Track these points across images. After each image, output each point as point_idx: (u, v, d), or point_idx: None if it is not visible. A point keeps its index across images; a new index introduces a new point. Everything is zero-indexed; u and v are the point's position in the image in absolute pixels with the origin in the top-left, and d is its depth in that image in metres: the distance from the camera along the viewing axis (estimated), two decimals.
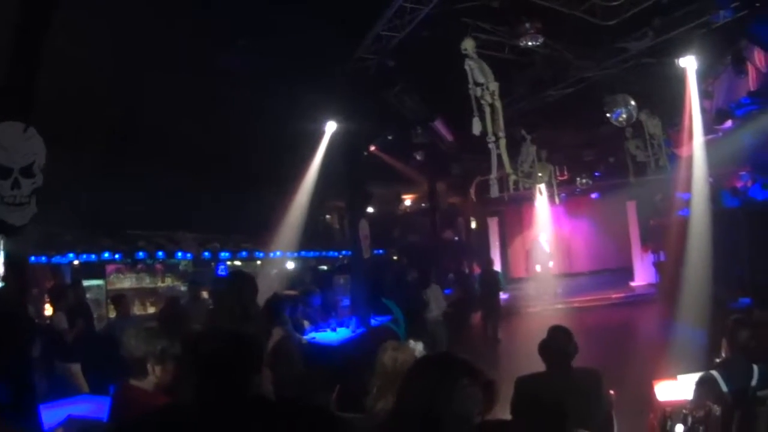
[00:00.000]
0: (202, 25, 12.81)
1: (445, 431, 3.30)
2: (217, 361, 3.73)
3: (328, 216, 30.84)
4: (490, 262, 23.51)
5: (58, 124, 10.11)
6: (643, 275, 30.34)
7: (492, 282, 21.78)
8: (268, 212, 19.44)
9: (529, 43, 14.69)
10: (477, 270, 25.99)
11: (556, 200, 28.12)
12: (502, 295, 22.95)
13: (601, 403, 6.71)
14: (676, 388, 7.99)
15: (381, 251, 26.93)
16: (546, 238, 30.19)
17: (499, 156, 13.92)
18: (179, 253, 19.50)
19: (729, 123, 19.58)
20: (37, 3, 7.55)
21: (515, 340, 19.54)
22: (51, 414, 7.69)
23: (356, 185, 18.79)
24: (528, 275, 33.40)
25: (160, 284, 19.51)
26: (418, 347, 6.78)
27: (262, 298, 9.76)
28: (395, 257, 29.56)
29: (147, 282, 19.16)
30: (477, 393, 3.41)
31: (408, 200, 36.85)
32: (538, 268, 30.06)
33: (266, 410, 3.76)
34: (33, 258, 15.31)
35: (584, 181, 28.97)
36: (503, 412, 6.28)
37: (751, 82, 17.90)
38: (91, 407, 8.20)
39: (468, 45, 13.74)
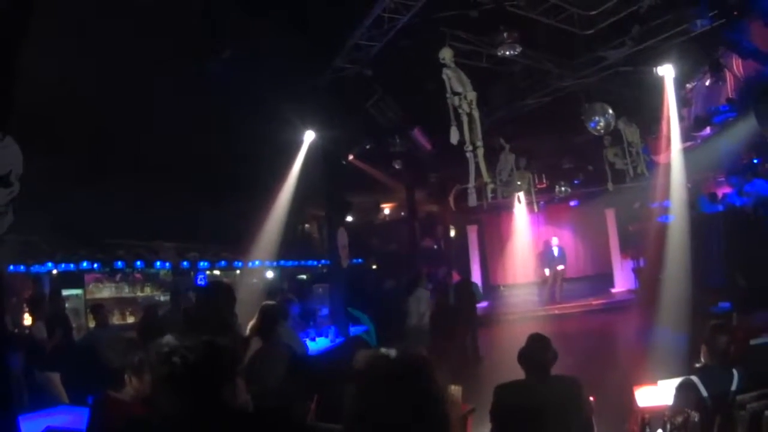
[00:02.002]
0: (181, 35, 12.78)
1: None
2: (188, 372, 3.70)
3: (307, 225, 30.82)
4: (466, 272, 22.94)
5: (36, 133, 10.05)
6: (622, 281, 30.32)
7: (467, 293, 20.88)
8: (247, 221, 19.39)
9: (507, 53, 14.70)
10: (456, 278, 25.82)
11: (535, 208, 28.22)
12: (481, 304, 22.55)
13: (580, 410, 6.71)
14: (656, 394, 7.99)
15: (359, 260, 26.91)
16: (557, 242, 29.96)
17: (477, 165, 13.95)
18: (158, 263, 19.42)
19: (707, 130, 19.69)
20: (11, 12, 7.48)
21: (495, 348, 19.46)
22: (30, 425, 7.63)
23: (335, 194, 18.81)
24: (509, 282, 33.53)
25: (139, 294, 19.43)
26: (391, 355, 6.75)
27: (241, 308, 9.72)
28: (374, 266, 29.52)
29: (126, 291, 19.08)
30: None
31: (387, 209, 36.87)
32: (547, 271, 29.61)
33: (238, 421, 3.74)
34: (11, 267, 15.26)
35: (563, 188, 28.96)
36: (483, 421, 6.29)
37: (729, 89, 18.03)
38: (70, 418, 8.14)
39: (446, 54, 13.79)
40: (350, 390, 3.33)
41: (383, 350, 5.21)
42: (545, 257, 30.17)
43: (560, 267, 29.20)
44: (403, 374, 3.21)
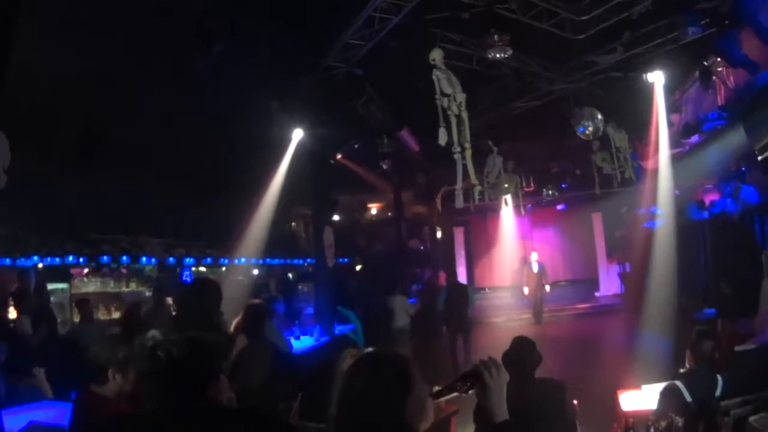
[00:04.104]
0: (171, 31, 12.73)
1: None
2: (173, 368, 3.67)
3: (293, 223, 30.74)
4: (455, 274, 22.16)
5: (25, 127, 10.03)
6: (608, 286, 30.48)
7: (461, 297, 19.81)
8: (233, 219, 19.30)
9: (498, 55, 14.70)
10: (443, 280, 25.66)
11: (522, 211, 28.20)
12: None
13: (564, 413, 6.71)
14: (641, 398, 8.03)
15: (345, 260, 26.88)
16: (536, 257, 28.30)
17: (465, 167, 13.96)
18: (144, 258, 19.34)
19: (696, 137, 19.73)
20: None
21: (480, 350, 19.37)
22: (13, 419, 7.62)
23: (322, 193, 18.78)
24: (495, 285, 33.45)
25: (124, 289, 19.32)
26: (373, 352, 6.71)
27: (226, 305, 9.69)
28: (359, 266, 29.51)
29: (111, 286, 18.96)
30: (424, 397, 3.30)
31: (374, 209, 36.84)
32: (525, 290, 27.95)
33: (222, 418, 3.72)
34: None
35: (550, 192, 29.09)
36: (467, 422, 6.28)
37: (719, 97, 18.06)
38: (54, 413, 8.11)
39: (436, 55, 13.79)
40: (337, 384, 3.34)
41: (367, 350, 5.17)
42: (523, 275, 28.80)
43: (543, 286, 27.54)
44: (383, 368, 3.22)
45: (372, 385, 3.17)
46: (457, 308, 19.44)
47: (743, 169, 17.52)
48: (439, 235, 33.94)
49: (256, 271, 23.68)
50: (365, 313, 17.44)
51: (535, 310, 27.16)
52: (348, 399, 3.21)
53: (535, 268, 27.86)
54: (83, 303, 14.69)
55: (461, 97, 13.90)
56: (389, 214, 33.71)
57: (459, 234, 34.12)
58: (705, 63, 16.96)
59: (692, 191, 20.25)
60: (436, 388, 3.55)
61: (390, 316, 17.82)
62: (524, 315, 26.79)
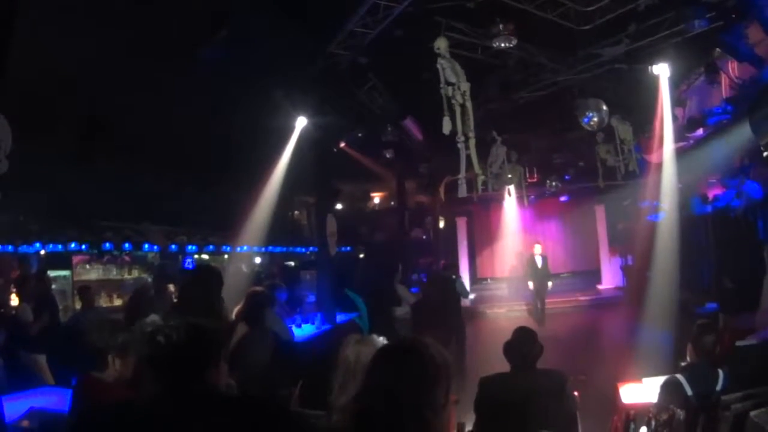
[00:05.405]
0: (175, 18, 12.69)
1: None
2: (173, 353, 3.65)
3: (296, 212, 30.76)
4: (452, 266, 20.12)
5: (28, 112, 9.99)
6: (610, 278, 30.44)
7: (446, 290, 17.40)
8: (236, 206, 19.30)
9: (503, 45, 14.65)
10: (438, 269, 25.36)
11: (525, 202, 28.06)
12: (464, 301, 19.94)
13: (564, 403, 6.69)
14: (641, 391, 8.01)
15: (348, 248, 26.86)
16: (539, 251, 25.95)
17: (468, 156, 13.91)
18: (146, 246, 19.37)
19: (700, 131, 19.67)
20: None
21: (481, 340, 19.38)
22: (13, 406, 7.59)
23: (325, 181, 18.75)
24: (497, 275, 33.41)
25: (126, 276, 19.37)
26: (381, 341, 6.69)
27: (228, 293, 9.68)
28: (362, 255, 29.52)
29: (114, 273, 19.03)
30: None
31: (376, 198, 36.88)
32: (530, 285, 25.63)
33: (222, 404, 3.69)
34: None
35: (554, 183, 28.97)
36: (467, 412, 6.27)
37: (724, 91, 17.99)
38: (54, 399, 8.08)
39: (441, 44, 13.72)
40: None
41: (375, 337, 5.13)
42: (527, 270, 26.42)
43: (545, 281, 25.69)
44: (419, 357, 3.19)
45: (405, 373, 3.15)
46: (442, 305, 17.05)
47: (747, 164, 17.47)
48: (441, 225, 33.91)
49: (258, 259, 23.72)
50: (367, 301, 17.39)
51: (536, 306, 25.60)
52: (376, 385, 3.19)
53: (539, 261, 26.04)
54: (85, 290, 14.69)
55: (465, 86, 13.84)
56: (392, 203, 33.74)
57: (462, 224, 34.00)
58: (711, 56, 16.90)
59: (696, 185, 20.21)
60: None
61: (391, 304, 17.76)
62: (526, 306, 26.65)
